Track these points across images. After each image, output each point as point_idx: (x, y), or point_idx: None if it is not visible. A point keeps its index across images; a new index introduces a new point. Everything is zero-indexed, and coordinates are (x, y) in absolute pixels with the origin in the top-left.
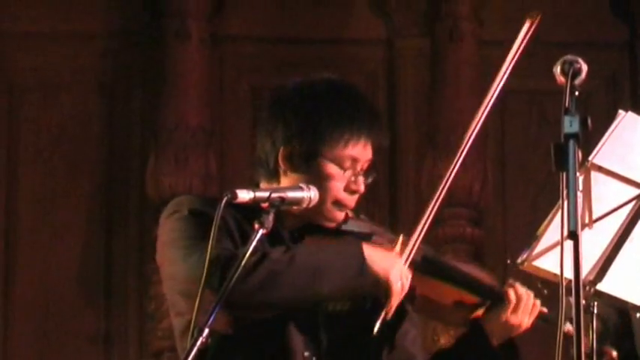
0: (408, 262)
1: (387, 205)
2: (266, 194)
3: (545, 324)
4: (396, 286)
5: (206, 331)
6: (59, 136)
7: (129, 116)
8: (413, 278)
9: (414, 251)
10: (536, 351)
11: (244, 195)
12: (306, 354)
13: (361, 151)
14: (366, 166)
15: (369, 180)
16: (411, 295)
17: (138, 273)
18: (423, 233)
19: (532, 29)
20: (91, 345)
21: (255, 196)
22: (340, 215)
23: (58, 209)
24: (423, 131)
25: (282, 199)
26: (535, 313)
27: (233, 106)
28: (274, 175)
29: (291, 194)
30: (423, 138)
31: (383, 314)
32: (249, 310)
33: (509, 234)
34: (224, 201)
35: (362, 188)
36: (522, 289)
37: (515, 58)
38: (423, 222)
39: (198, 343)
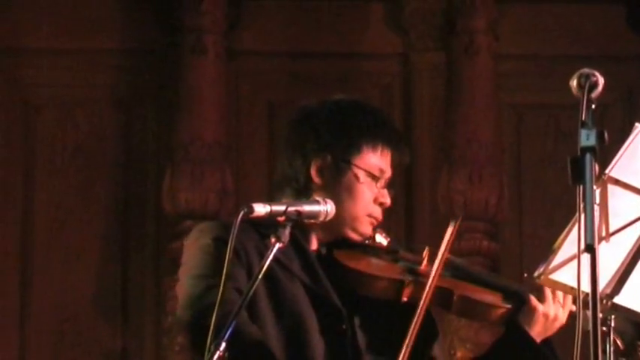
0: (439, 273)
1: (403, 219)
2: (282, 208)
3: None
4: None
5: (223, 344)
6: (75, 152)
7: (145, 132)
8: (447, 282)
9: (442, 263)
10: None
11: (261, 209)
12: None
13: (387, 164)
14: (386, 182)
15: (390, 197)
16: (445, 301)
17: (154, 288)
18: (448, 247)
19: (455, 230)
20: None
21: (271, 210)
22: (369, 229)
23: (74, 226)
24: (438, 145)
25: (299, 213)
26: (569, 305)
27: (249, 121)
28: (304, 192)
29: (308, 208)
30: (439, 152)
31: None
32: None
33: (525, 247)
34: (240, 215)
35: (389, 201)
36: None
37: (444, 256)
38: (449, 235)
39: (216, 357)
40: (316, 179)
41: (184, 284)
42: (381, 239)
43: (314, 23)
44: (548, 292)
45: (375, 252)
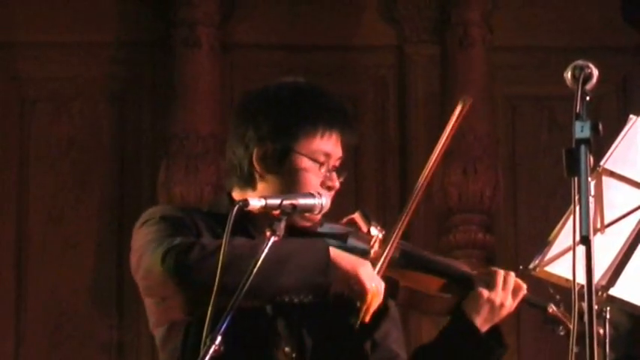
0: (388, 259)
1: (398, 211)
2: (277, 201)
3: (531, 308)
4: (370, 285)
5: (219, 338)
6: (70, 146)
7: (139, 125)
8: (394, 273)
9: (392, 249)
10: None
11: (256, 202)
12: (287, 349)
13: (333, 146)
14: (337, 164)
15: (341, 178)
16: (392, 290)
17: None
18: (400, 231)
19: (464, 112)
20: (104, 355)
21: (266, 204)
22: (318, 215)
23: (70, 219)
24: (433, 137)
25: (294, 206)
26: (519, 294)
27: None
28: (249, 181)
29: (303, 201)
30: (434, 144)
31: (361, 314)
32: (205, 292)
33: (520, 240)
34: (236, 208)
35: (337, 184)
36: (502, 271)
37: (448, 139)
38: (401, 220)
39: (211, 351)
40: (258, 168)
41: (147, 255)
42: (376, 232)
43: (308, 16)
44: (495, 278)
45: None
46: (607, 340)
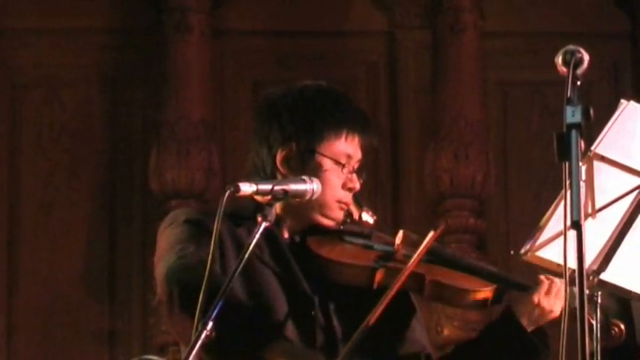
0: (417, 261)
1: (390, 197)
2: (269, 186)
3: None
4: None
5: (210, 324)
6: (61, 132)
7: (131, 111)
8: (421, 268)
9: (418, 260)
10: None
11: (247, 188)
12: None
13: (355, 148)
14: (357, 166)
15: (361, 180)
16: (419, 285)
17: (141, 268)
18: (427, 246)
19: (435, 237)
20: (96, 342)
21: (257, 189)
22: (341, 215)
23: (61, 206)
24: (425, 123)
25: (285, 192)
26: (563, 301)
27: (235, 100)
28: None
29: (294, 186)
30: (425, 129)
31: None
32: (184, 315)
33: (512, 224)
34: (227, 194)
35: (358, 186)
36: (552, 277)
37: (420, 257)
38: (423, 246)
39: (202, 336)
40: (282, 169)
41: (163, 260)
42: (368, 217)
43: (299, 1)
44: (549, 286)
45: (348, 238)
46: (598, 326)
